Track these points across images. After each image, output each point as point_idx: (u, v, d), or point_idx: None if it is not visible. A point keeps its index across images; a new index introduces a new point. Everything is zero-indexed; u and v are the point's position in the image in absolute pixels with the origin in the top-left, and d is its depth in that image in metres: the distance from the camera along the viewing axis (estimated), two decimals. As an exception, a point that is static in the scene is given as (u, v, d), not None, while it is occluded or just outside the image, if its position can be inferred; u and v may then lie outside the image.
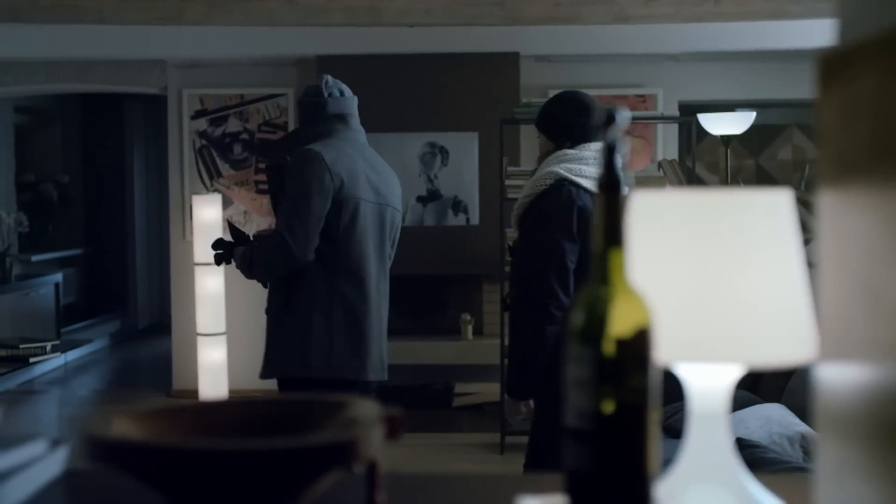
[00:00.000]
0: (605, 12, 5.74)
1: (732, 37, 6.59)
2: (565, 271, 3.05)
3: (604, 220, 0.96)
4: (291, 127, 7.35)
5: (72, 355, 8.39)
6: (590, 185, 3.12)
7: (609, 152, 0.97)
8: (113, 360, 9.40)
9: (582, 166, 3.14)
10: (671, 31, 6.54)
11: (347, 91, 3.45)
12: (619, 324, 0.95)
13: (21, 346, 4.91)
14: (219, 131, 7.42)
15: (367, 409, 1.06)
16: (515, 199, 5.91)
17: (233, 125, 7.38)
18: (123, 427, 1.05)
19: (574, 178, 3.11)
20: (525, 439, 6.06)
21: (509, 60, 7.08)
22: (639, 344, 0.95)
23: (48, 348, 4.99)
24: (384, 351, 3.42)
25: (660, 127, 7.21)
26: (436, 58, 7.04)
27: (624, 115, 0.97)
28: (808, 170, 7.44)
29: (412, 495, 1.07)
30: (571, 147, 3.20)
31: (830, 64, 0.83)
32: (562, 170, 3.13)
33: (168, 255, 7.79)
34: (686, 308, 1.03)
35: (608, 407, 0.95)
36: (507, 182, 5.78)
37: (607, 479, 0.95)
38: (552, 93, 7.06)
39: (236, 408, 1.13)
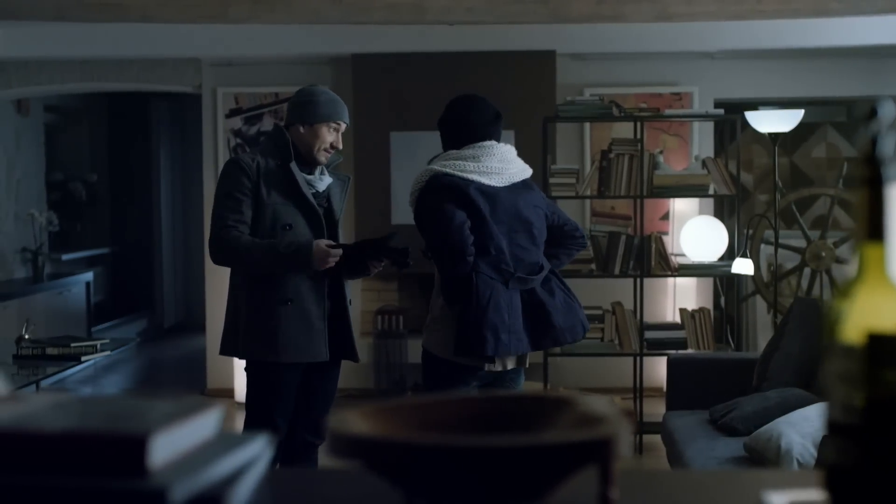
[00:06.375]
0: (648, 10, 5.71)
1: (774, 34, 6.56)
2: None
3: (866, 214, 0.95)
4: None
5: (100, 354, 8.39)
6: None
7: (871, 145, 0.95)
8: (140, 359, 9.40)
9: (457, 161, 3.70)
10: (712, 29, 6.52)
11: None
12: (881, 319, 0.94)
13: (72, 345, 4.90)
14: (253, 130, 7.41)
15: (604, 406, 1.05)
16: (558, 198, 5.93)
17: (267, 123, 7.35)
18: (358, 425, 1.03)
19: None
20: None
21: (546, 59, 7.07)
22: (901, 339, 0.94)
23: (98, 347, 4.98)
24: None
25: (695, 125, 7.19)
26: (472, 56, 7.01)
27: (888, 108, 0.95)
28: (845, 168, 7.41)
29: (647, 492, 1.06)
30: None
31: None
32: (437, 166, 3.69)
33: (200, 254, 7.78)
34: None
35: (871, 402, 0.94)
36: (552, 180, 5.76)
37: (871, 475, 0.94)
38: (588, 91, 7.09)
39: (457, 405, 1.12)
